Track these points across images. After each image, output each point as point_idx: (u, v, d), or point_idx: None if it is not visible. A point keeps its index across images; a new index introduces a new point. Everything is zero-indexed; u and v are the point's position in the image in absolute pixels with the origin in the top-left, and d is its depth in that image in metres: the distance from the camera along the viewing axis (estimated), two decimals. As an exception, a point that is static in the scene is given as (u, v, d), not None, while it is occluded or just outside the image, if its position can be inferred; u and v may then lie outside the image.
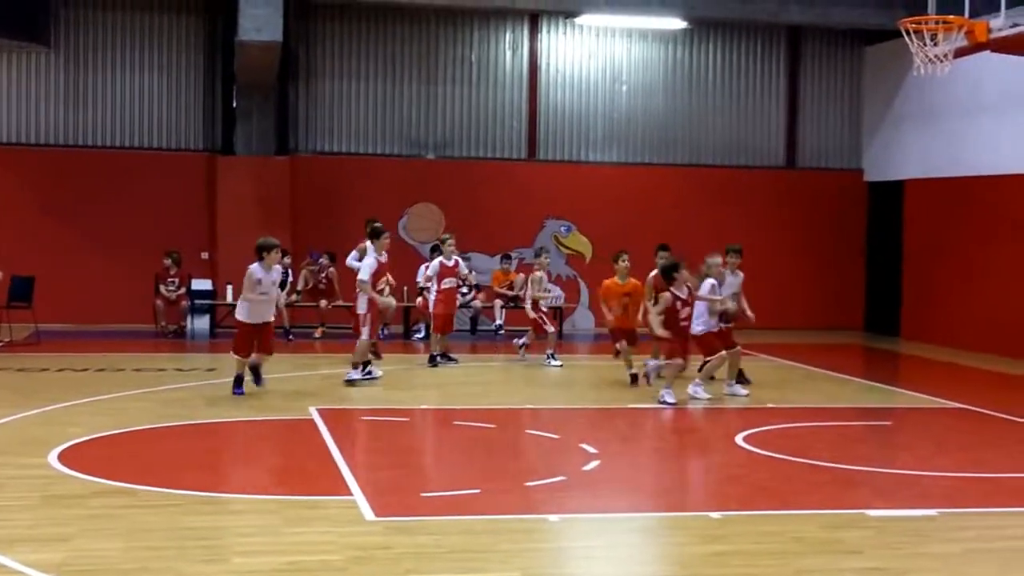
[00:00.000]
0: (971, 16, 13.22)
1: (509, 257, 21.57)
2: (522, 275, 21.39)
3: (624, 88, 23.08)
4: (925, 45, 13.28)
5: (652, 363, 14.55)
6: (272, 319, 14.06)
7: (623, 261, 15.09)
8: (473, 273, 21.16)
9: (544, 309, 17.39)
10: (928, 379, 17.13)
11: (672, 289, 13.60)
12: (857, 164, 23.79)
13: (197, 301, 20.45)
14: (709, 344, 13.99)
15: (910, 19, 13.38)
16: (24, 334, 18.84)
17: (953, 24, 12.96)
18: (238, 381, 13.79)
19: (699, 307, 13.96)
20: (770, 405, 13.92)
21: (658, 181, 22.80)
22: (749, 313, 14.38)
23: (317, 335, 20.14)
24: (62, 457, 10.22)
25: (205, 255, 21.28)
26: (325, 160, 21.97)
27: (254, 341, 13.75)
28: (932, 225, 21.49)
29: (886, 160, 23.00)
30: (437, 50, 22.44)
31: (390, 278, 15.48)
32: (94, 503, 8.77)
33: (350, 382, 14.63)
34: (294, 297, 20.33)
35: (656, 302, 13.99)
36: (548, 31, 22.76)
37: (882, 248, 22.92)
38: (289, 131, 21.82)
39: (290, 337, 19.82)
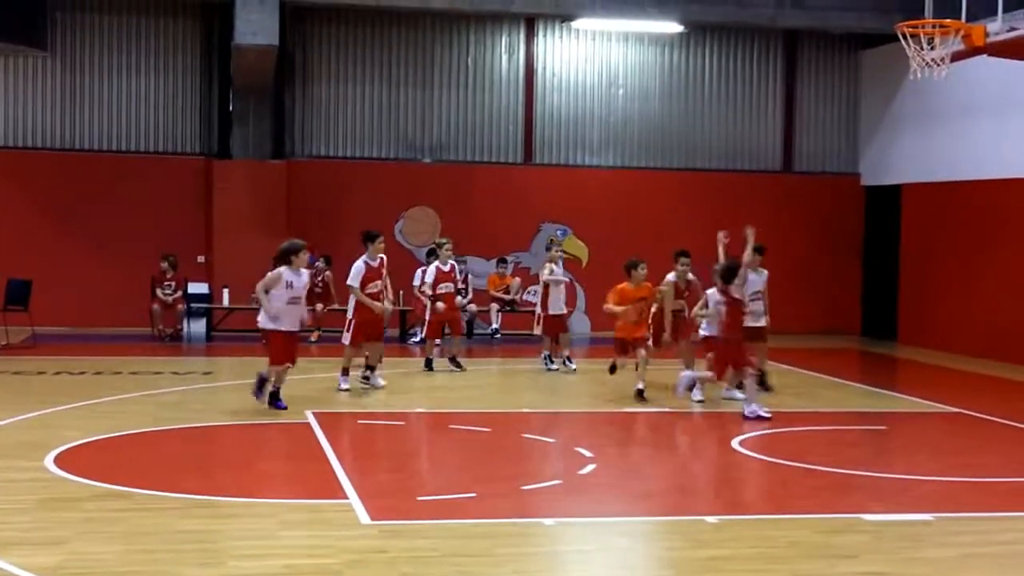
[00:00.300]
0: (968, 20, 13.22)
1: (505, 261, 21.58)
2: (518, 279, 21.43)
3: (620, 92, 23.10)
4: (922, 49, 13.29)
5: (687, 375, 14.03)
6: (300, 328, 13.31)
7: (642, 269, 14.36)
8: (470, 277, 21.21)
9: (553, 312, 16.82)
10: (924, 383, 17.13)
11: (731, 291, 13.25)
12: (854, 168, 23.81)
13: (193, 305, 20.45)
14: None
15: (907, 23, 13.39)
16: (21, 337, 18.82)
17: (950, 28, 12.97)
18: (275, 394, 13.00)
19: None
20: (766, 409, 13.90)
21: (655, 185, 22.80)
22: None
23: (313, 339, 20.10)
24: (58, 460, 10.21)
25: (201, 259, 21.28)
26: (321, 164, 21.97)
27: (290, 349, 12.97)
28: (929, 229, 21.51)
29: (883, 164, 23.02)
30: (433, 54, 22.45)
31: (388, 283, 15.18)
32: (90, 506, 8.76)
33: (342, 390, 14.52)
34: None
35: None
36: (544, 35, 22.78)
37: (879, 252, 22.93)
38: (285, 135, 21.82)
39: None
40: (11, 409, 12.67)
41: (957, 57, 13.26)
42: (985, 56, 13.54)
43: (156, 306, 20.24)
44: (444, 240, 17.18)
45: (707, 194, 22.92)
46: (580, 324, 22.20)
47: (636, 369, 14.15)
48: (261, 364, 16.83)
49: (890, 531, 8.59)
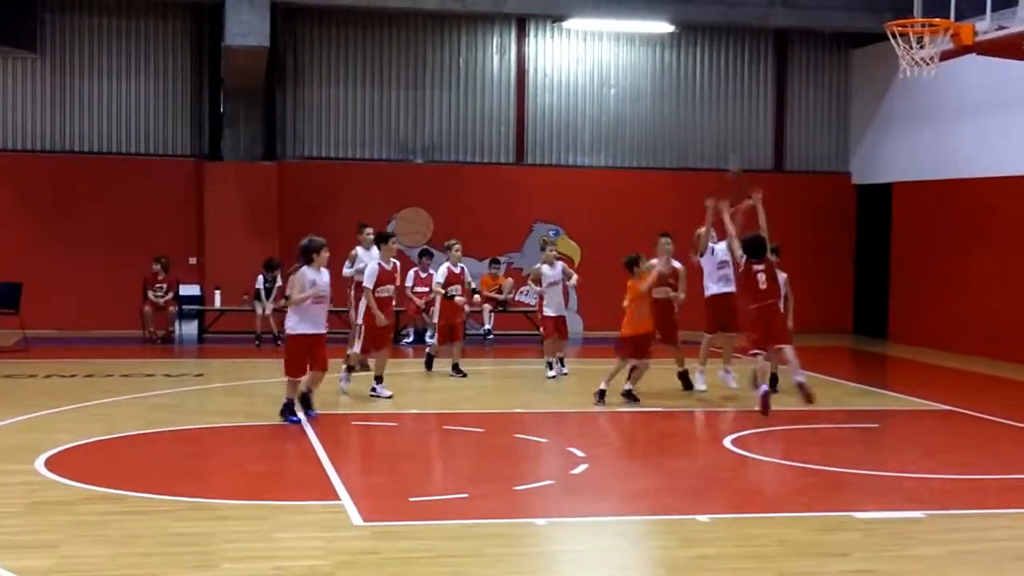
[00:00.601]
0: (957, 19, 13.25)
1: (498, 261, 21.58)
2: (510, 279, 21.44)
3: (612, 92, 23.11)
4: (911, 48, 13.31)
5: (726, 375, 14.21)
6: (325, 330, 12.67)
7: (644, 263, 14.14)
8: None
9: (548, 314, 16.22)
10: (915, 381, 17.17)
11: (759, 263, 13.28)
12: (845, 167, 23.85)
13: (185, 307, 20.43)
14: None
15: (896, 22, 13.41)
16: (11, 340, 18.78)
17: (939, 27, 13.00)
18: (289, 408, 12.39)
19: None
20: (758, 408, 13.92)
21: (646, 185, 22.82)
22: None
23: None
24: (49, 464, 10.20)
25: (193, 260, 21.25)
26: (313, 165, 21.96)
27: (308, 357, 12.40)
28: (920, 228, 21.55)
29: (874, 163, 23.06)
30: (425, 55, 22.45)
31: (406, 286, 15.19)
32: (82, 509, 8.75)
33: (343, 391, 14.34)
34: (282, 302, 20.26)
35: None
36: (536, 35, 22.78)
37: (870, 251, 22.97)
38: (277, 136, 21.81)
39: (279, 342, 19.77)
40: (2, 412, 12.66)
41: (946, 56, 13.29)
42: (974, 55, 13.55)
43: (147, 308, 20.22)
44: (453, 241, 16.82)
45: (699, 193, 22.71)
46: (572, 323, 22.17)
47: (630, 372, 14.01)
48: (254, 366, 16.90)
49: (881, 529, 8.62)
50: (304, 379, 12.50)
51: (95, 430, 11.77)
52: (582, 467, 10.47)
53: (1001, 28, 12.86)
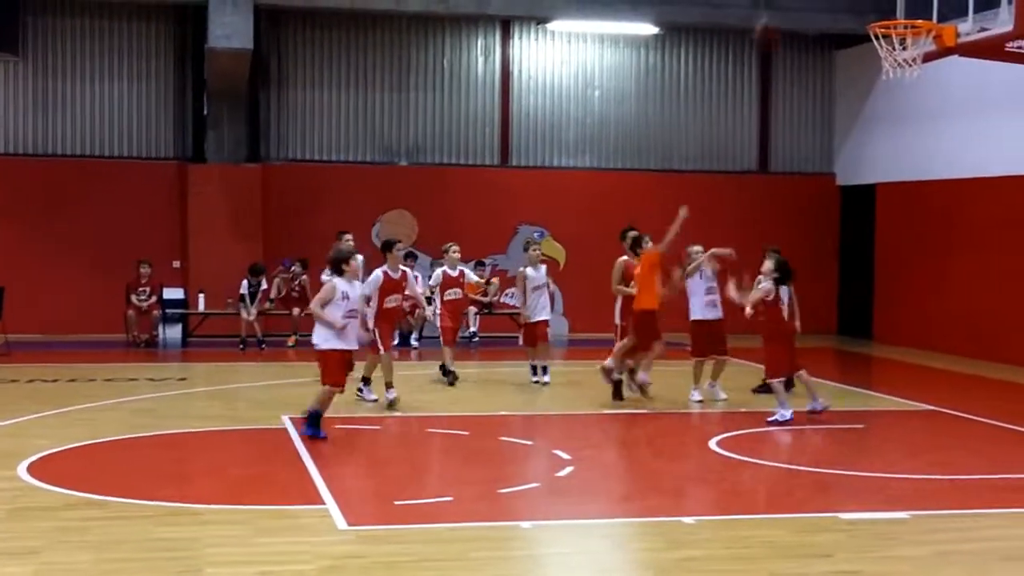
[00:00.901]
0: (939, 20, 13.28)
1: (483, 264, 21.55)
2: (496, 281, 21.38)
3: (596, 93, 23.11)
4: (894, 50, 13.33)
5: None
6: (356, 346, 11.93)
7: (647, 243, 13.95)
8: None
9: (531, 318, 15.73)
10: (899, 382, 17.20)
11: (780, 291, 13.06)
12: (829, 168, 23.89)
13: (169, 310, 20.35)
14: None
15: (879, 24, 13.44)
16: (-6, 345, 18.70)
17: (921, 28, 13.02)
18: (315, 419, 11.65)
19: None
20: (743, 409, 13.95)
21: (631, 186, 22.81)
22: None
23: (290, 343, 20.05)
24: (31, 469, 10.15)
25: (176, 264, 21.18)
26: (297, 167, 21.91)
27: (346, 368, 11.77)
28: (903, 228, 21.60)
29: (858, 164, 23.11)
30: (409, 57, 22.42)
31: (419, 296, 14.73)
32: (64, 515, 8.71)
33: (391, 403, 13.69)
34: (267, 305, 20.26)
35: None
36: (520, 37, 22.77)
37: (854, 252, 23.01)
38: (260, 139, 21.75)
39: (263, 346, 19.75)
40: (-15, 417, 12.60)
41: (929, 58, 13.31)
42: (957, 56, 13.58)
43: (131, 312, 20.14)
44: (451, 244, 16.26)
45: (683, 195, 22.70)
46: (558, 326, 22.18)
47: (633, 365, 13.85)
48: (239, 370, 16.83)
49: (865, 530, 8.63)
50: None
51: (78, 435, 11.71)
52: (567, 469, 10.46)
53: (983, 30, 12.90)
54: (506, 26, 22.62)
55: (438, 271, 16.14)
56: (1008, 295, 18.91)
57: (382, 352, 13.71)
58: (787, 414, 12.84)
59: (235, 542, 8.07)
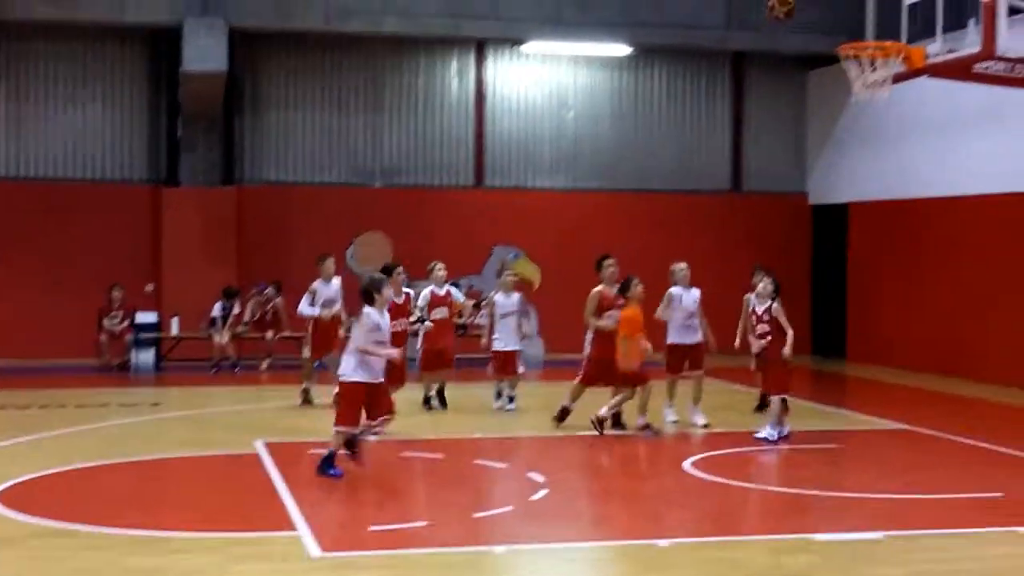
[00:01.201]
0: (908, 42, 13.38)
1: (457, 285, 21.45)
2: (470, 302, 21.33)
3: (571, 114, 23.16)
4: (864, 71, 13.41)
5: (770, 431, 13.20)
6: (384, 377, 11.24)
7: (636, 286, 13.44)
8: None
9: (497, 348, 15.19)
10: (873, 401, 17.24)
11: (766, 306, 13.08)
12: (802, 187, 23.99)
13: (142, 334, 20.22)
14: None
15: (849, 45, 13.53)
16: (-34, 370, 18.57)
17: (890, 50, 13.11)
18: (330, 460, 11.01)
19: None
20: (718, 430, 13.96)
21: (606, 206, 22.86)
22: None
23: (264, 367, 19.98)
24: (2, 497, 10.04)
25: (150, 287, 21.06)
26: (272, 190, 21.86)
27: (363, 406, 11.05)
28: (876, 247, 21.71)
29: (830, 183, 23.22)
30: (384, 78, 22.42)
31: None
32: (34, 543, 8.64)
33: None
34: (240, 329, 20.18)
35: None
36: (494, 58, 22.81)
37: (827, 271, 23.10)
38: (235, 161, 21.70)
39: (237, 370, 19.67)
40: (-45, 444, 12.49)
41: (898, 79, 13.40)
42: (926, 77, 13.68)
43: (103, 336, 20.02)
44: (436, 263, 15.68)
45: (657, 214, 23.02)
46: (533, 347, 22.16)
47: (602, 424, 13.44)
48: (212, 394, 16.74)
49: (840, 550, 8.63)
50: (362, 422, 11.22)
51: (48, 462, 11.60)
52: (542, 493, 10.43)
53: (951, 51, 12.99)
54: (480, 48, 22.66)
55: (425, 291, 15.53)
56: (981, 313, 19.02)
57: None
58: (774, 434, 12.83)
59: (206, 570, 8.01)
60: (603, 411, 13.39)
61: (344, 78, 22.29)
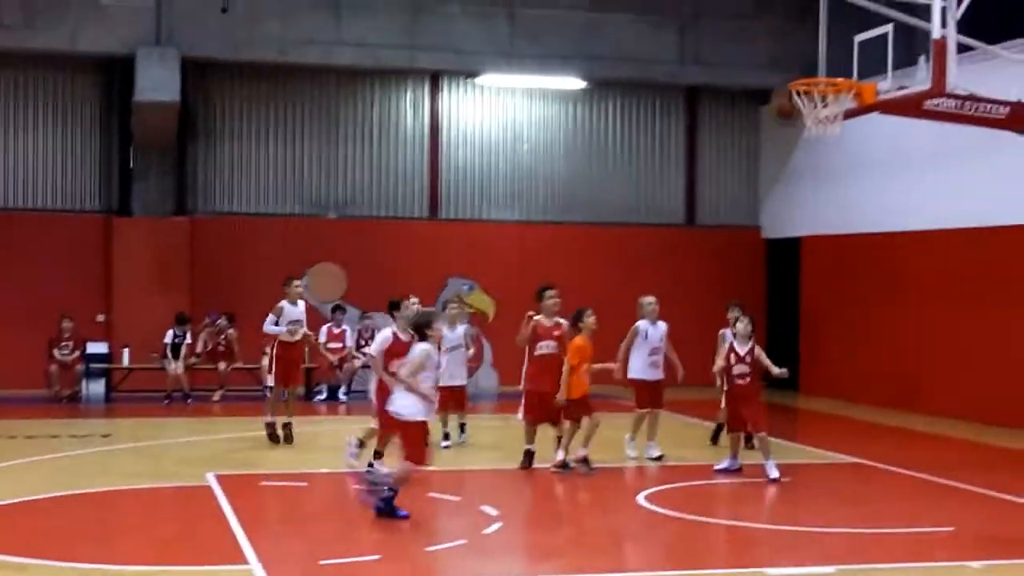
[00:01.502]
0: (859, 78, 13.53)
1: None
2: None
3: (525, 147, 23.25)
4: (816, 107, 13.55)
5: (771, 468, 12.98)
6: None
7: (588, 317, 13.15)
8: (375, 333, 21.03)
9: (444, 383, 13.72)
10: (825, 434, 17.35)
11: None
12: (755, 221, 24.18)
13: (92, 365, 20.00)
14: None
15: (800, 81, 13.68)
16: (-89, 401, 18.30)
17: (842, 86, 13.26)
18: (388, 502, 10.58)
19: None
20: (671, 463, 13.98)
21: (560, 239, 22.94)
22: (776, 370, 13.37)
23: (216, 398, 19.84)
24: (-53, 531, 9.91)
25: (101, 318, 20.88)
26: (225, 220, 21.76)
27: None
28: (827, 281, 21.89)
29: (783, 217, 23.42)
30: (338, 110, 22.43)
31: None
32: (-20, 579, 8.51)
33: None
34: (193, 360, 20.04)
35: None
36: (449, 91, 22.87)
37: (780, 304, 23.25)
38: (188, 191, 21.59)
39: (189, 400, 19.52)
40: (-101, 477, 12.29)
41: (850, 114, 13.56)
42: (877, 113, 13.85)
43: (53, 367, 19.81)
44: (410, 299, 14.18)
45: (612, 247, 23.13)
46: (487, 379, 22.16)
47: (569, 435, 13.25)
48: (164, 425, 16.58)
49: (792, 585, 8.66)
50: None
51: (-4, 494, 11.46)
52: (495, 526, 10.40)
53: (902, 88, 13.16)
54: (435, 80, 22.72)
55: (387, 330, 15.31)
56: (931, 347, 19.21)
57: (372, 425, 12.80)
58: (736, 464, 12.96)
59: (156, 605, 7.92)
60: (560, 456, 13.22)
61: (298, 109, 22.28)
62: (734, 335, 13.44)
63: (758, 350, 13.23)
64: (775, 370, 13.12)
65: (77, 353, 19.97)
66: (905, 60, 13.29)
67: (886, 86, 13.22)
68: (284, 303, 15.00)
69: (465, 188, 23.02)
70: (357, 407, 19.65)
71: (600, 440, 14.30)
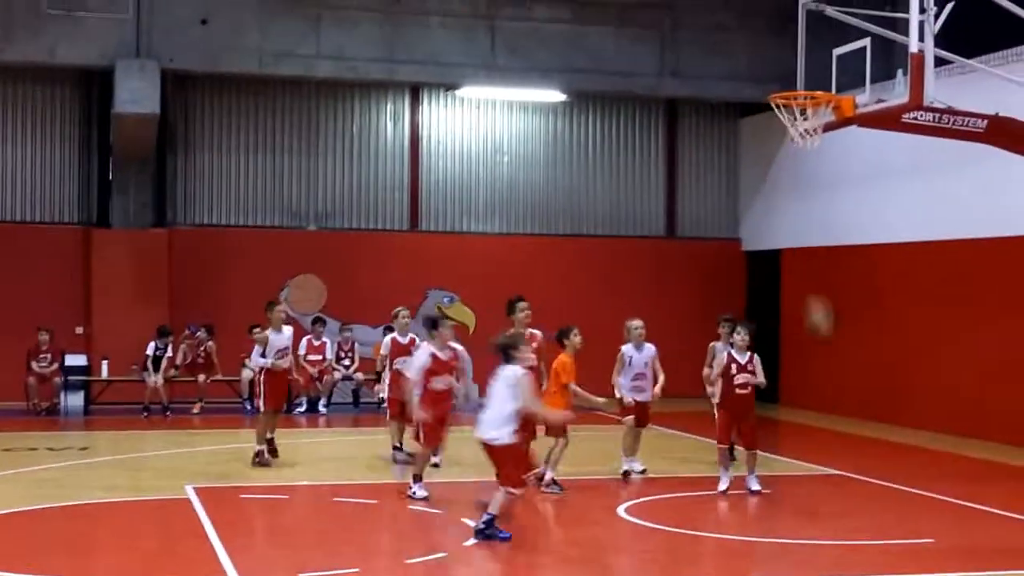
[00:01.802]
0: (838, 91, 13.55)
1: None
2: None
3: (505, 159, 23.28)
4: (795, 120, 13.57)
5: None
6: None
7: (575, 336, 12.94)
8: (356, 345, 21.04)
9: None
10: (805, 446, 17.38)
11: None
12: (735, 234, 24.25)
13: (71, 377, 19.91)
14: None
15: (780, 95, 13.68)
16: None
17: (820, 99, 13.27)
18: (491, 523, 10.28)
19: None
20: (652, 475, 13.98)
21: (540, 251, 22.95)
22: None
23: (195, 411, 19.77)
24: (-77, 545, 9.84)
25: (80, 330, 20.78)
26: (204, 232, 21.70)
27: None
28: (808, 293, 21.86)
29: (763, 230, 23.49)
30: (318, 122, 22.41)
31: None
32: (-44, 593, 8.45)
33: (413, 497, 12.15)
34: (172, 372, 19.96)
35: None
36: (429, 103, 22.89)
37: (761, 316, 23.24)
38: (167, 203, 21.53)
39: (168, 413, 19.44)
40: None
41: (829, 127, 13.56)
42: (856, 126, 13.87)
43: (31, 379, 19.69)
44: (400, 309, 14.94)
45: (592, 259, 23.16)
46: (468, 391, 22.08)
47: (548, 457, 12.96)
48: (143, 438, 16.50)
49: (772, 597, 8.66)
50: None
51: (-27, 508, 11.38)
52: (475, 539, 10.37)
53: (880, 101, 13.16)
54: (415, 92, 22.73)
55: (387, 339, 14.89)
56: (911, 359, 19.27)
57: (422, 448, 12.44)
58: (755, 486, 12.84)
59: (134, 619, 7.88)
60: (549, 474, 13.10)
61: (278, 121, 22.25)
62: (731, 344, 13.43)
63: (756, 359, 13.19)
64: (759, 380, 13.07)
65: (55, 365, 19.86)
66: (883, 73, 13.31)
67: (864, 99, 13.21)
68: (268, 332, 14.33)
69: (446, 200, 23.02)
70: (337, 419, 19.65)
71: (583, 452, 14.33)
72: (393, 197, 22.77)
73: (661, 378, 14.09)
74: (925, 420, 18.59)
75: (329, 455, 15.50)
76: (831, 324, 13.36)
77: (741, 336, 13.16)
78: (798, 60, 14.05)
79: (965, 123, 12.99)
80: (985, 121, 13.07)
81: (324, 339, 20.60)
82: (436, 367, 12.03)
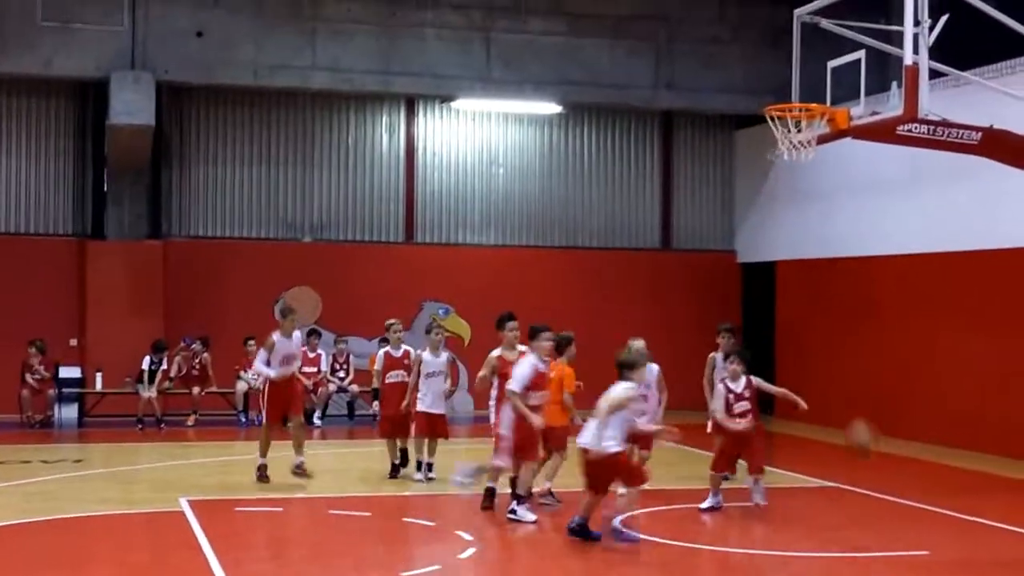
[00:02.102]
0: (833, 104, 13.58)
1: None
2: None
3: (501, 171, 23.29)
4: (789, 132, 13.59)
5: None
6: None
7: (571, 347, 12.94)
8: (351, 357, 21.05)
9: (422, 409, 14.03)
10: (801, 458, 17.36)
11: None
12: (730, 246, 24.26)
13: (65, 389, 19.88)
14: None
15: (774, 107, 13.72)
16: None
17: (815, 112, 13.31)
18: (583, 526, 10.83)
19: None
20: (648, 487, 13.90)
21: (535, 263, 22.96)
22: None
23: (190, 423, 19.74)
24: (-84, 558, 9.80)
25: (74, 342, 20.75)
26: (199, 244, 21.68)
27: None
28: (802, 305, 21.96)
29: (758, 242, 23.50)
30: (313, 133, 22.41)
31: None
32: (-52, 607, 8.41)
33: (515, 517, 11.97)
34: (167, 384, 19.92)
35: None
36: (424, 115, 22.90)
37: (756, 328, 23.28)
38: (162, 215, 21.51)
39: (162, 426, 19.40)
40: None
41: (823, 140, 13.59)
42: (850, 139, 13.90)
43: (25, 391, 19.65)
44: (393, 321, 14.92)
45: (587, 271, 23.17)
46: (462, 403, 22.09)
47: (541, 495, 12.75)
48: (137, 451, 16.47)
49: (768, 610, 8.64)
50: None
51: (-34, 521, 11.35)
52: (470, 551, 10.36)
53: (874, 113, 13.21)
54: (411, 104, 22.74)
55: (380, 352, 14.81)
56: (907, 371, 19.27)
57: (498, 462, 12.22)
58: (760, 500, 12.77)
59: (128, 633, 7.84)
60: (546, 485, 12.98)
61: (273, 133, 22.25)
62: (725, 357, 13.33)
63: (756, 380, 13.05)
64: (776, 391, 12.91)
65: (49, 377, 19.80)
66: (878, 86, 13.36)
67: (859, 112, 13.26)
68: (275, 336, 13.86)
69: (441, 212, 23.03)
70: (332, 432, 19.62)
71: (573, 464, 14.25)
72: (388, 209, 22.77)
73: (661, 409, 13.76)
74: (922, 432, 18.57)
75: (324, 468, 15.44)
76: (875, 444, 13.24)
77: (734, 367, 13.02)
78: (793, 72, 14.09)
79: (960, 135, 13.03)
80: (979, 133, 13.11)
81: (319, 351, 20.57)
82: (537, 380, 11.93)
